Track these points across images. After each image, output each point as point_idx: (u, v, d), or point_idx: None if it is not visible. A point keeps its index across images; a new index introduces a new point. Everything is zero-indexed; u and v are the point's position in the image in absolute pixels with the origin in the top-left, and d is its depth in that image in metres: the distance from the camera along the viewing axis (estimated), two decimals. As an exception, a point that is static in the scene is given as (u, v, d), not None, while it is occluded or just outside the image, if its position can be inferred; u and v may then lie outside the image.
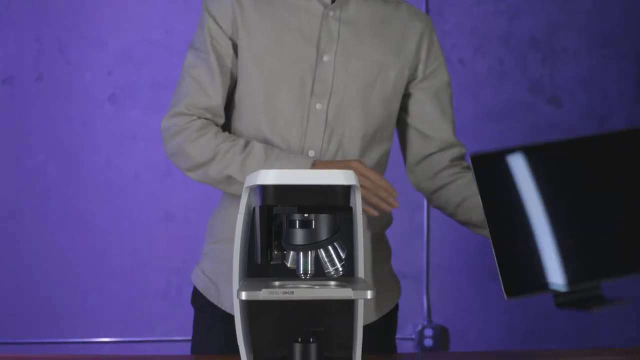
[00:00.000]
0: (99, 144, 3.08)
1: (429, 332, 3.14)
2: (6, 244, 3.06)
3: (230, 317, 1.55)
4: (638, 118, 3.19)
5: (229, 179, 1.52)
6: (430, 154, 1.67)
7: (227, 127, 1.63)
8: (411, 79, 1.65)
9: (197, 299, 1.66)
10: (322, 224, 1.25)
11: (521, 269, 1.33)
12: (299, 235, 1.25)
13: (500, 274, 1.32)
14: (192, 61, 1.59)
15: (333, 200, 1.25)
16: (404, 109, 1.67)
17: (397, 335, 3.12)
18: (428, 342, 3.13)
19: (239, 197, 1.59)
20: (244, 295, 1.20)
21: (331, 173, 1.24)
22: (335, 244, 1.27)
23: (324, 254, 1.27)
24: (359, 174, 1.43)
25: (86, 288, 3.07)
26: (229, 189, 1.55)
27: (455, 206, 1.63)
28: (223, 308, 1.61)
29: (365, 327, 1.58)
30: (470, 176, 1.64)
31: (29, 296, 3.06)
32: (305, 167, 1.47)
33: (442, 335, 3.16)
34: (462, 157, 1.70)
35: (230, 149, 1.52)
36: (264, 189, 1.23)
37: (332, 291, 1.25)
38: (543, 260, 1.34)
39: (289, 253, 1.30)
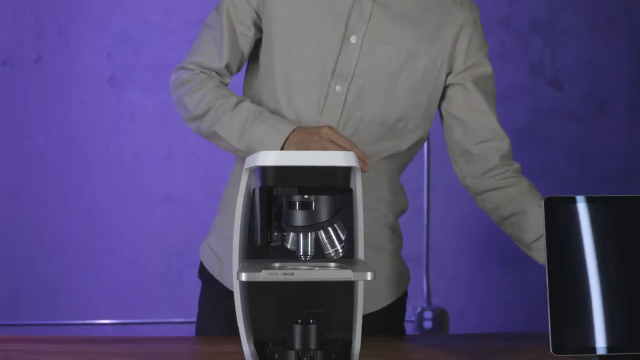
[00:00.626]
0: (99, 126, 3.08)
1: (428, 314, 3.15)
2: (6, 226, 3.06)
3: (232, 294, 1.55)
4: (638, 101, 3.19)
5: (215, 135, 1.51)
6: (476, 144, 1.60)
7: (251, 97, 1.62)
8: (450, 71, 1.58)
9: (203, 272, 1.66)
10: (322, 206, 1.25)
11: (572, 327, 1.33)
12: (298, 217, 1.25)
13: (551, 328, 1.32)
14: (210, 21, 1.58)
15: (333, 182, 1.24)
16: (445, 98, 1.60)
17: (397, 318, 3.15)
18: (427, 325, 3.14)
19: None
20: (243, 277, 1.20)
21: (331, 154, 1.23)
22: (335, 225, 1.27)
23: (324, 236, 1.27)
24: (327, 139, 1.39)
25: (86, 270, 3.08)
26: (218, 144, 1.54)
27: (504, 218, 1.57)
28: (225, 285, 1.60)
29: (375, 311, 1.59)
30: (524, 186, 1.58)
31: (30, 278, 3.07)
32: (285, 134, 1.43)
33: (441, 317, 3.17)
34: (510, 153, 1.63)
35: (221, 105, 1.50)
36: (263, 170, 1.22)
37: (332, 273, 1.25)
38: (595, 322, 1.34)
39: (289, 234, 1.30)
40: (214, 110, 1.50)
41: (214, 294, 1.63)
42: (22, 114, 3.05)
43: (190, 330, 1.72)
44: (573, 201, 1.37)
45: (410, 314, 3.17)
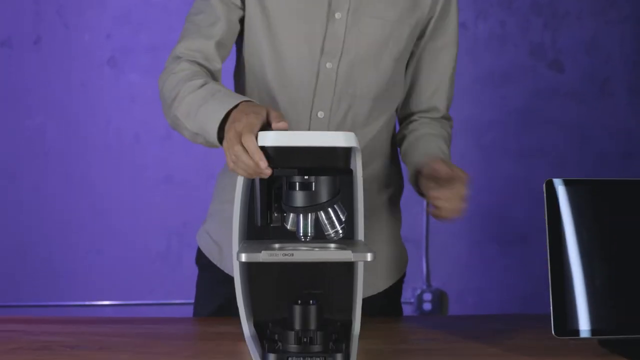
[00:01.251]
0: (99, 107, 3.07)
1: (427, 296, 3.15)
2: (6, 206, 3.06)
3: (232, 279, 1.55)
4: (639, 83, 3.18)
5: (177, 120, 1.43)
6: (416, 112, 1.63)
7: (238, 87, 1.61)
8: (421, 35, 1.59)
9: (201, 258, 1.66)
10: (322, 186, 1.25)
11: (573, 309, 1.33)
12: (298, 198, 1.25)
13: (552, 310, 1.32)
14: (194, 9, 1.56)
15: (333, 163, 1.24)
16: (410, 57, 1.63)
17: (396, 299, 3.15)
18: (427, 306, 3.15)
19: None
20: (243, 257, 1.20)
21: (331, 135, 1.23)
22: (335, 206, 1.27)
23: (324, 217, 1.27)
24: (240, 135, 1.25)
25: (86, 251, 3.08)
26: (182, 132, 1.45)
27: (406, 143, 1.60)
28: (225, 271, 1.60)
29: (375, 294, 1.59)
30: (436, 125, 1.61)
31: (30, 259, 3.07)
32: (226, 108, 1.32)
33: (441, 299, 3.17)
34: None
35: (187, 89, 1.42)
36: (263, 150, 1.22)
37: (331, 253, 1.25)
38: (596, 304, 1.34)
39: (289, 215, 1.29)
40: (180, 97, 1.43)
41: (212, 279, 1.63)
42: (22, 95, 3.05)
43: (190, 312, 1.72)
44: (573, 183, 1.37)
45: (409, 295, 3.17)
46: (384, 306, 1.62)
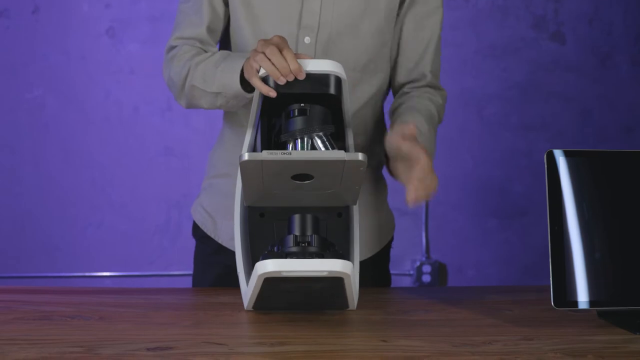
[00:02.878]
0: (98, 78, 3.06)
1: (427, 268, 3.16)
2: (5, 179, 3.06)
3: (226, 250, 1.56)
4: (642, 55, 3.17)
5: (194, 89, 1.50)
6: (400, 84, 1.63)
7: None
8: (402, 3, 1.59)
9: (197, 230, 1.69)
10: (317, 114, 1.32)
11: (572, 281, 1.33)
12: (296, 123, 1.32)
13: (552, 281, 1.32)
14: None
15: (326, 89, 1.32)
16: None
17: (396, 271, 3.16)
18: (426, 278, 3.16)
19: (237, 131, 1.59)
20: (246, 156, 1.24)
21: (320, 61, 1.32)
22: (329, 136, 1.33)
23: (319, 142, 1.32)
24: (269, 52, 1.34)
25: (86, 222, 3.08)
26: (199, 103, 1.53)
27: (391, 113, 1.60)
28: (220, 241, 1.63)
29: (364, 260, 1.59)
30: (424, 97, 1.60)
31: (29, 230, 3.08)
32: (244, 57, 1.42)
33: (440, 271, 3.18)
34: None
35: (198, 61, 1.51)
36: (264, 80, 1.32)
37: (326, 154, 1.28)
38: (596, 276, 1.34)
39: (289, 147, 1.34)
40: (192, 69, 1.51)
41: (208, 250, 1.65)
42: (20, 66, 3.03)
43: (189, 283, 1.73)
44: (574, 155, 1.36)
45: (409, 267, 3.18)
46: (371, 273, 1.64)
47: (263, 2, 1.53)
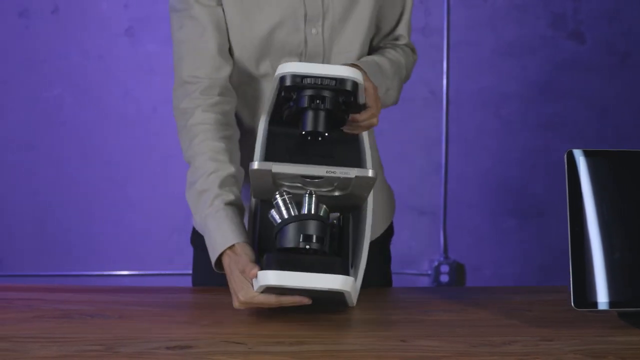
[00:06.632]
0: (116, 78, 3.07)
1: (445, 268, 3.15)
2: (23, 177, 3.08)
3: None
4: (662, 54, 3.14)
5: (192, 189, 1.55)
6: (380, 47, 1.66)
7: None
8: None
9: (196, 237, 1.68)
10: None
11: (592, 281, 1.32)
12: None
13: (572, 282, 1.32)
14: (175, 24, 1.53)
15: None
16: None
17: (413, 271, 3.16)
18: (444, 278, 3.15)
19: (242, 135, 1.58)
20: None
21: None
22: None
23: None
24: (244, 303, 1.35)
25: (104, 222, 3.10)
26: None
27: None
28: None
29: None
30: (397, 50, 1.63)
31: (48, 229, 3.10)
32: (219, 250, 1.42)
33: (458, 271, 3.17)
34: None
35: (195, 173, 1.55)
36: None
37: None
38: (616, 276, 1.33)
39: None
40: (192, 169, 1.55)
41: (208, 259, 1.63)
42: (39, 66, 3.05)
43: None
44: (594, 154, 1.35)
45: (426, 267, 3.18)
46: (375, 254, 1.63)
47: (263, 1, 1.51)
